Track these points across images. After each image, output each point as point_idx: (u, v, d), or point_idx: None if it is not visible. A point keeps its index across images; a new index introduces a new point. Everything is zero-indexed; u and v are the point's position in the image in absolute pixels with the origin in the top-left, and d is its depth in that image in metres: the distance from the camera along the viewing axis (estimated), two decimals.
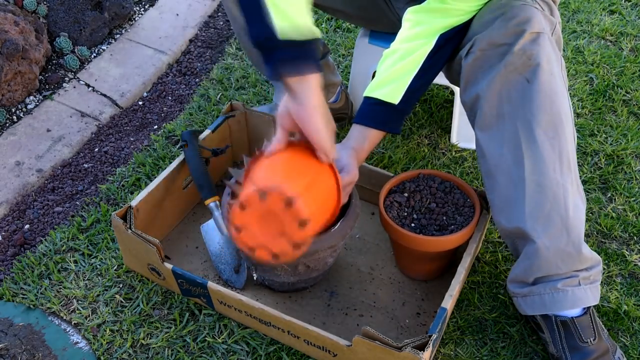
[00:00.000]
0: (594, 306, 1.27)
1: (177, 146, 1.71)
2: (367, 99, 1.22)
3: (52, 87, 1.90)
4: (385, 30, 1.57)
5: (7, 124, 1.77)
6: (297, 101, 0.95)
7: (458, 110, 1.63)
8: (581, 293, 1.14)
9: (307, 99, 0.95)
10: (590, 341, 1.14)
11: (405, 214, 1.29)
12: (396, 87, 1.19)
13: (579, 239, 1.13)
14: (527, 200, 1.10)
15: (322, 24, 2.16)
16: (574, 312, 1.16)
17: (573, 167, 1.12)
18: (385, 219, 1.26)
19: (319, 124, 0.97)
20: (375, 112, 1.21)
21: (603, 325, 1.21)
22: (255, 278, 1.34)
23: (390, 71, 1.20)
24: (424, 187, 1.33)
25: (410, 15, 1.23)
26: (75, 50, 1.99)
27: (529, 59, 1.06)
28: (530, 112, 1.08)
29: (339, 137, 1.71)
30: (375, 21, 1.55)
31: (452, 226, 1.26)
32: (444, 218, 1.28)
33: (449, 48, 1.20)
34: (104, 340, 1.26)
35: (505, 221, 1.16)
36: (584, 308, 1.16)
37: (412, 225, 1.27)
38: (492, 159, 1.14)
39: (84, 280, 1.37)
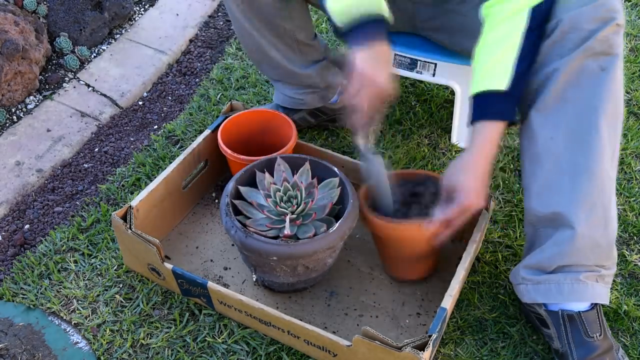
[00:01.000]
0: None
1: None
2: (472, 99, 1.15)
3: (52, 87, 1.90)
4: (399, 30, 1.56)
5: (7, 124, 1.77)
6: None
7: (458, 110, 1.63)
8: (599, 289, 1.15)
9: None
10: (597, 336, 1.14)
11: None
12: (501, 74, 1.12)
13: (613, 234, 1.13)
14: (575, 186, 1.10)
15: (322, 24, 2.16)
16: (582, 306, 1.16)
17: (617, 165, 1.13)
18: (362, 210, 1.25)
19: None
20: (485, 105, 1.13)
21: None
22: (254, 279, 1.34)
23: (487, 64, 1.14)
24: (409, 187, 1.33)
25: (487, 10, 1.17)
26: (75, 50, 1.99)
27: (610, 47, 1.06)
28: (600, 99, 1.07)
29: (339, 136, 1.71)
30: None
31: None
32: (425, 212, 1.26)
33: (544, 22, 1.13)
34: (104, 340, 1.26)
35: (542, 206, 1.14)
36: (592, 303, 1.16)
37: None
38: (542, 141, 1.12)
39: (84, 280, 1.37)
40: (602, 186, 1.10)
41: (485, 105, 1.13)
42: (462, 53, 1.48)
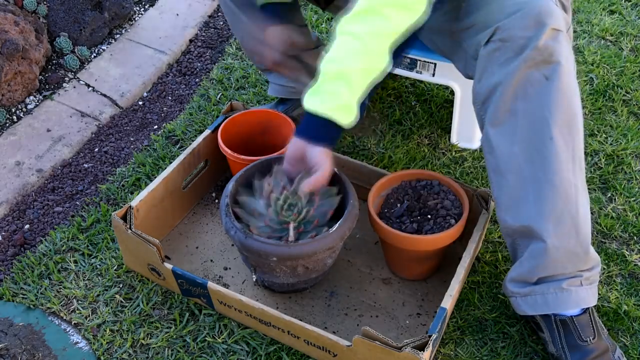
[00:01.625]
0: (595, 305, 1.27)
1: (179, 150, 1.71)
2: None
3: (52, 87, 1.90)
4: None
5: (7, 124, 1.77)
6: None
7: (458, 110, 1.63)
8: (584, 293, 1.14)
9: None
10: (590, 340, 1.14)
11: (397, 214, 1.31)
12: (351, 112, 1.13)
13: (586, 240, 1.13)
14: (539, 199, 1.09)
15: (322, 24, 2.16)
16: (573, 310, 1.16)
17: (582, 167, 1.11)
18: (372, 218, 1.27)
19: None
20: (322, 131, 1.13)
21: (603, 325, 1.21)
22: (254, 279, 1.34)
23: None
24: (415, 189, 1.34)
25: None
26: (75, 50, 1.99)
27: (550, 55, 1.04)
28: (548, 110, 1.06)
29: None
30: None
31: (441, 225, 1.27)
32: (436, 217, 1.29)
33: None
34: (104, 340, 1.26)
35: (512, 219, 1.15)
36: (583, 308, 1.16)
37: (403, 225, 1.28)
38: (502, 155, 1.12)
39: (84, 280, 1.37)
40: (566, 196, 1.09)
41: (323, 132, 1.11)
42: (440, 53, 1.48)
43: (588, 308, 1.16)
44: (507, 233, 1.19)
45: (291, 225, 1.18)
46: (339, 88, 1.06)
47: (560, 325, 1.16)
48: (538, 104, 1.06)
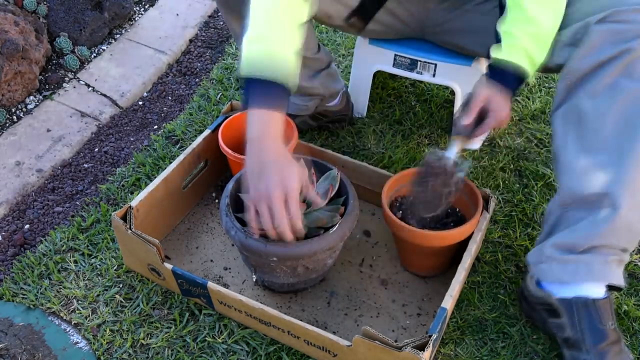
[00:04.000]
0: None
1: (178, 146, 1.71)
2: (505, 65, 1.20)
3: (52, 87, 1.90)
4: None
5: (7, 124, 1.77)
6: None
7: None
8: (620, 272, 1.16)
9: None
10: (609, 325, 1.15)
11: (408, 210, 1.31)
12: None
13: None
14: (622, 169, 1.10)
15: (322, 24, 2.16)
16: (597, 293, 1.17)
17: None
18: (388, 215, 1.27)
19: None
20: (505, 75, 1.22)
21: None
22: (254, 279, 1.34)
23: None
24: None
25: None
26: (75, 50, 1.99)
27: None
28: None
29: (339, 136, 1.71)
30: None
31: (452, 222, 1.28)
32: (450, 216, 1.30)
33: None
34: (104, 340, 1.26)
35: (584, 187, 1.14)
36: (606, 293, 1.17)
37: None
38: (591, 124, 1.13)
39: (84, 280, 1.37)
40: None
41: (505, 76, 1.20)
42: (473, 54, 1.49)
43: (609, 295, 1.17)
44: (565, 202, 1.19)
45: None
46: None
47: (583, 307, 1.16)
48: None
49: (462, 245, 1.29)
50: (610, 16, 1.10)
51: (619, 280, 1.16)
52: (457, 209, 1.36)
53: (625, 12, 1.09)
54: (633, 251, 1.42)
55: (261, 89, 1.11)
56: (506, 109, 1.22)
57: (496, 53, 1.21)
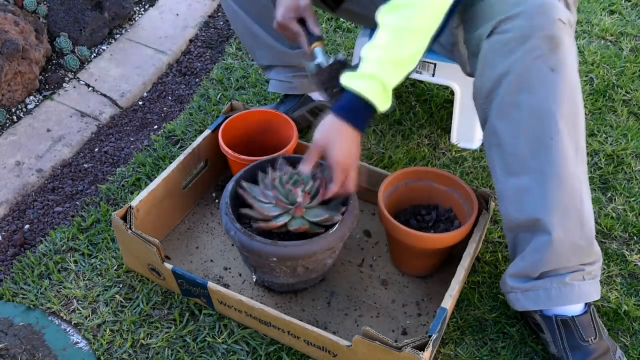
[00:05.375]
0: (595, 305, 1.27)
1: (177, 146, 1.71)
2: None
3: (52, 87, 1.90)
4: None
5: (7, 124, 1.77)
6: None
7: (458, 110, 1.63)
8: (586, 287, 1.14)
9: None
10: (591, 340, 1.14)
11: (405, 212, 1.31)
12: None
13: (591, 233, 1.12)
14: (545, 192, 1.08)
15: (322, 24, 2.16)
16: (575, 310, 1.16)
17: (585, 161, 1.11)
18: (384, 214, 1.27)
19: None
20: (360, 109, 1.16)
21: (603, 325, 1.21)
22: (254, 279, 1.34)
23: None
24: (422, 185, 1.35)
25: None
26: (75, 50, 1.99)
27: (556, 46, 1.03)
28: (554, 102, 1.05)
29: None
30: None
31: (448, 224, 1.29)
32: (442, 216, 1.30)
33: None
34: (104, 340, 1.26)
35: (517, 212, 1.13)
36: (585, 306, 1.16)
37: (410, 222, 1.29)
38: (508, 147, 1.11)
39: (84, 280, 1.37)
40: (571, 189, 1.09)
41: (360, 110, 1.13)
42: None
43: (589, 308, 1.16)
44: (510, 228, 1.18)
45: (299, 190, 1.19)
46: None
47: (562, 325, 1.16)
48: (543, 96, 1.05)
49: (461, 246, 1.29)
50: (496, 27, 1.07)
51: (584, 297, 1.14)
52: (451, 209, 1.36)
53: (506, 21, 1.05)
54: (633, 251, 1.42)
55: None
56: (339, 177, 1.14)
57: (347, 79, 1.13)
